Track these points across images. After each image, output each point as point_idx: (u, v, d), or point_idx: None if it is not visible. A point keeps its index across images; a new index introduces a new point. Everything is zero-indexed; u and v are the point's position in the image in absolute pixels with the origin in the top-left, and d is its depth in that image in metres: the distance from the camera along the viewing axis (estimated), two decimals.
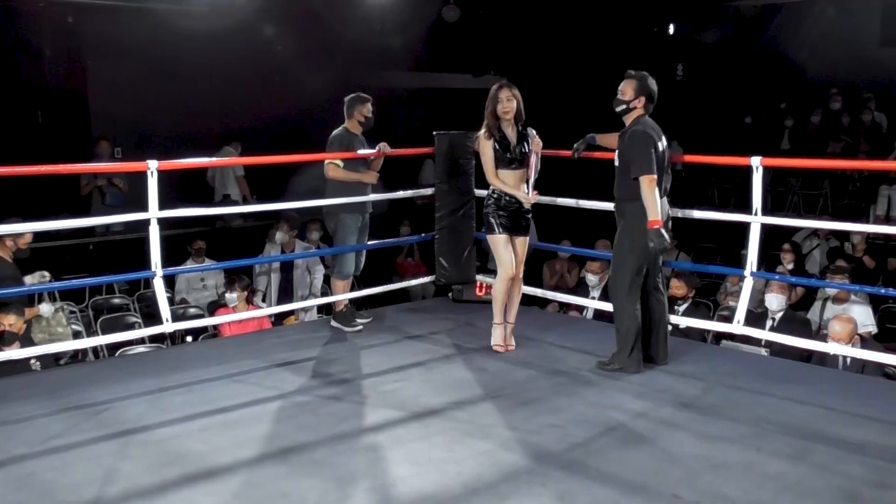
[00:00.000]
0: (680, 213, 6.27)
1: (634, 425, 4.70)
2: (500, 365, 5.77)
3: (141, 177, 5.69)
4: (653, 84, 5.59)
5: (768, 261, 9.15)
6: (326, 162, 6.65)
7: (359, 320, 6.79)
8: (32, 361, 6.10)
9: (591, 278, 8.15)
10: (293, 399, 5.11)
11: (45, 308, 6.96)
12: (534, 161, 5.89)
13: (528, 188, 5.94)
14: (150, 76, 11.09)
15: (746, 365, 5.87)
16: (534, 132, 5.96)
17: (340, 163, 6.63)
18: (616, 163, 5.62)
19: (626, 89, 5.60)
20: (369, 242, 6.98)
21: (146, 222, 5.82)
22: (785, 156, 13.20)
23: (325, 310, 7.43)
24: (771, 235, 7.60)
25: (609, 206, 5.84)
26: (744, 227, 5.90)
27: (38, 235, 7.32)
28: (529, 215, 6.00)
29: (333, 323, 6.73)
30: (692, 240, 10.95)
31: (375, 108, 6.73)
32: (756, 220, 5.78)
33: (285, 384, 5.35)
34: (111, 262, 9.00)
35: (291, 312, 7.99)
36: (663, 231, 5.34)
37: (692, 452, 4.34)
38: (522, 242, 6.02)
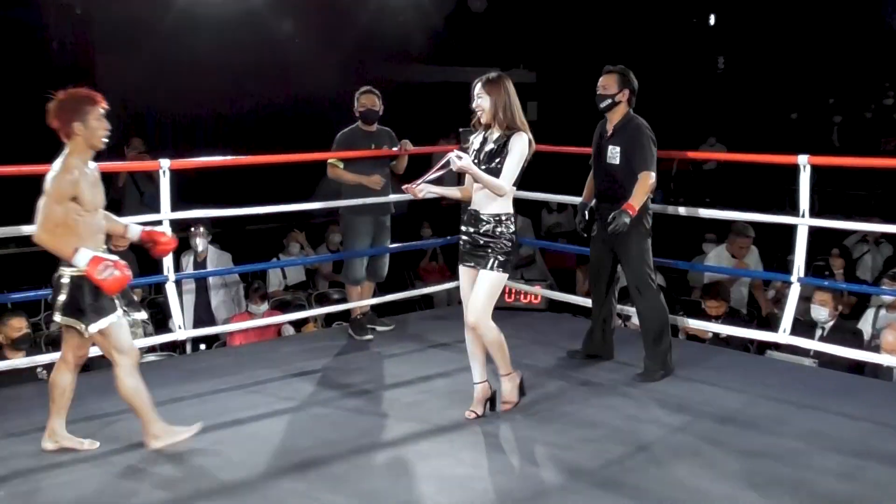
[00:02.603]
0: (721, 214, 6.24)
1: (673, 440, 4.68)
2: (530, 376, 5.74)
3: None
4: (634, 78, 5.70)
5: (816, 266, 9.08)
6: (327, 161, 6.70)
7: (379, 328, 6.81)
8: (39, 370, 6.14)
9: None
10: (311, 411, 5.12)
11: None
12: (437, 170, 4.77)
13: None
14: (161, 67, 11.18)
15: (793, 377, 5.82)
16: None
17: (340, 163, 6.65)
18: (612, 160, 5.65)
19: (609, 83, 5.71)
20: (391, 246, 6.98)
21: (157, 224, 5.85)
22: (834, 154, 13.10)
23: (344, 317, 7.45)
24: (819, 239, 7.54)
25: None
26: (790, 231, 5.86)
27: None
28: (482, 242, 4.84)
29: (350, 331, 6.77)
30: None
31: (382, 101, 6.73)
32: (803, 223, 5.75)
33: (303, 395, 5.37)
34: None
35: (307, 320, 8.01)
36: (629, 220, 5.44)
37: (735, 470, 4.31)
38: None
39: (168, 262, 6.05)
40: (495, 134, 4.80)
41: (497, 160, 4.73)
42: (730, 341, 6.82)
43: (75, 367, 4.53)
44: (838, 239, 9.48)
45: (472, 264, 4.85)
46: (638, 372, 5.72)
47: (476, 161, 4.77)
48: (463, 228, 4.91)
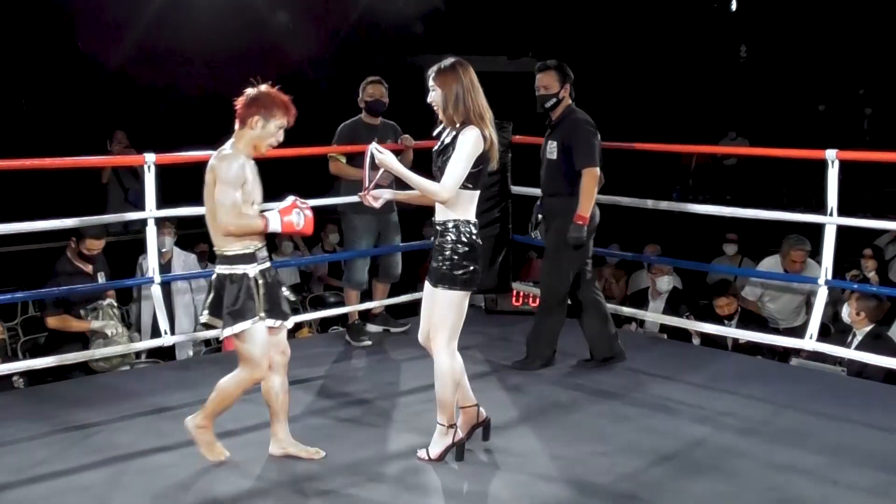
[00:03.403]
0: (743, 212, 6.24)
1: (692, 454, 4.68)
2: (540, 385, 5.76)
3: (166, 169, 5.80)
4: (570, 70, 5.90)
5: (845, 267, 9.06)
6: (328, 156, 6.70)
7: (393, 329, 6.84)
8: (16, 378, 6.15)
9: (663, 282, 8.07)
10: (305, 422, 5.12)
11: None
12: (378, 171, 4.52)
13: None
14: (145, 58, 11.19)
15: (820, 386, 5.83)
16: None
17: (342, 157, 6.66)
18: (551, 156, 5.86)
19: (550, 82, 5.85)
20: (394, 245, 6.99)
21: (142, 222, 5.87)
22: (865, 148, 13.07)
23: (342, 321, 7.46)
24: (848, 239, 7.54)
25: (662, 204, 5.83)
26: (818, 230, 5.86)
27: (24, 237, 7.37)
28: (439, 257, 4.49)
29: (346, 337, 6.78)
30: (756, 244, 10.86)
31: (387, 91, 6.73)
32: (831, 222, 5.74)
33: (297, 405, 5.36)
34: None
35: (301, 325, 8.02)
36: (584, 231, 5.69)
37: (758, 485, 4.30)
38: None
39: (153, 263, 6.06)
40: (450, 132, 4.45)
41: (442, 159, 4.41)
42: (749, 349, 6.83)
43: (280, 369, 4.53)
44: (869, 239, 9.49)
45: (428, 281, 4.51)
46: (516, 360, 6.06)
47: (434, 163, 4.49)
48: (432, 239, 4.60)
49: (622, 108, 13.64)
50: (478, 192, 4.46)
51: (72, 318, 6.55)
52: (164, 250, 8.03)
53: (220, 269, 4.34)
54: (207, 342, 7.46)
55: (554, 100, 5.85)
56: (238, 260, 4.33)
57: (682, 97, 14.44)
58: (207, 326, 4.41)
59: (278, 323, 4.47)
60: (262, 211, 4.39)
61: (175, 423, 5.05)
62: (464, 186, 4.37)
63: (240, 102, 4.31)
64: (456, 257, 4.38)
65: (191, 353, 7.52)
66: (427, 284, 4.54)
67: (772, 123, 14.10)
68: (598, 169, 5.72)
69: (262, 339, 4.36)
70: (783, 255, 7.75)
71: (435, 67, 4.46)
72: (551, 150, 5.88)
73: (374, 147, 4.40)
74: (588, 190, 5.67)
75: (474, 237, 4.42)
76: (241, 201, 4.23)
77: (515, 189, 7.34)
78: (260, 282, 4.37)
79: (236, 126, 4.34)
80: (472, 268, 4.41)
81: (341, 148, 6.66)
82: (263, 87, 4.32)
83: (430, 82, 4.44)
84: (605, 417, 5.19)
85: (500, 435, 4.91)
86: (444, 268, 4.39)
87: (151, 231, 5.98)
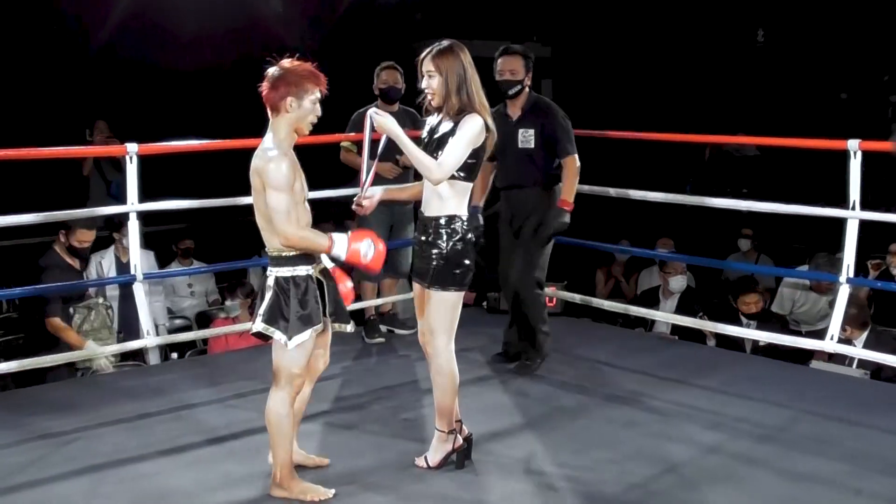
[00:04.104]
0: (760, 206, 6.24)
1: (705, 462, 4.69)
2: (545, 388, 5.76)
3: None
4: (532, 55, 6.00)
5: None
6: (340, 144, 6.72)
7: (398, 332, 6.87)
8: None
9: (676, 282, 8.06)
10: (299, 427, 5.11)
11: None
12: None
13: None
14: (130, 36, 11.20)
15: (841, 390, 5.83)
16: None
17: (354, 146, 6.66)
18: (526, 145, 5.91)
19: (517, 67, 5.90)
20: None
21: (124, 217, 5.86)
22: (889, 138, 13.07)
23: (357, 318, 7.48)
24: (872, 235, 7.54)
25: (674, 197, 5.82)
26: (839, 225, 5.86)
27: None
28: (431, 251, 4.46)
29: (362, 333, 6.82)
30: (775, 240, 10.86)
31: (403, 76, 6.73)
32: (854, 216, 5.75)
33: None
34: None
35: None
36: (568, 218, 5.80)
37: (775, 494, 4.31)
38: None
39: (135, 259, 6.06)
40: (446, 121, 4.39)
41: (440, 150, 4.33)
42: (766, 350, 6.83)
43: (314, 377, 4.47)
44: (893, 235, 9.47)
45: (419, 282, 4.50)
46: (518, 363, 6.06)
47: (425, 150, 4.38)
48: (415, 235, 4.59)
49: (630, 95, 13.64)
50: (471, 186, 4.43)
51: (70, 330, 6.51)
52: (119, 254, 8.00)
53: (281, 271, 4.16)
54: (181, 346, 7.46)
55: (519, 86, 5.90)
56: (300, 261, 4.16)
57: (694, 84, 14.44)
58: (261, 336, 4.26)
59: (347, 327, 4.40)
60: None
61: (157, 429, 5.07)
62: (458, 177, 4.34)
63: (264, 87, 4.12)
64: (451, 255, 4.35)
65: (175, 356, 7.52)
66: (415, 284, 4.52)
67: (790, 112, 14.07)
68: (577, 157, 5.87)
69: (312, 346, 4.25)
70: (814, 265, 7.74)
71: (430, 50, 4.37)
72: (526, 138, 5.92)
73: (372, 111, 4.32)
74: (572, 178, 5.81)
75: (468, 233, 4.40)
76: (292, 207, 4.08)
77: None
78: (324, 283, 4.27)
79: (270, 115, 4.16)
80: (467, 264, 4.39)
81: (353, 136, 6.65)
82: (285, 63, 4.14)
83: (426, 66, 4.36)
84: (614, 423, 5.19)
85: (503, 441, 4.91)
86: (439, 266, 4.36)
87: (133, 226, 5.98)
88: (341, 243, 4.14)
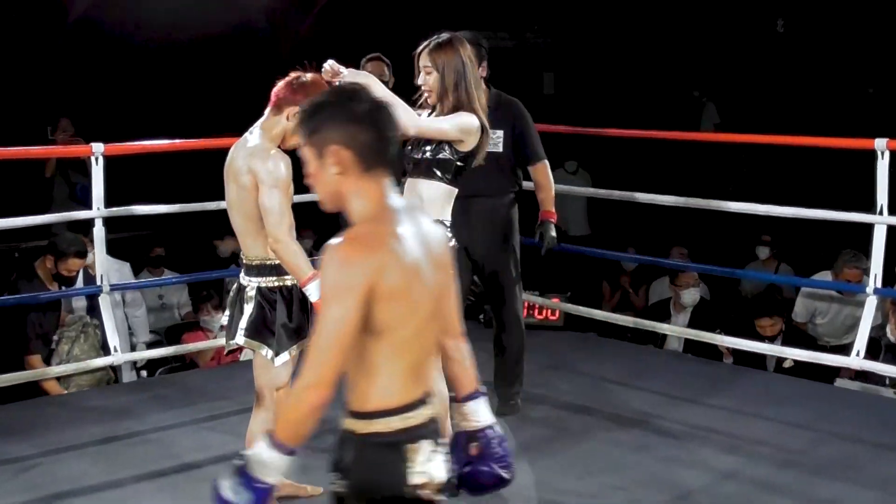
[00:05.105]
0: (780, 210, 6.25)
1: (721, 489, 4.69)
2: (546, 409, 5.76)
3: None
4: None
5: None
6: None
7: None
8: None
9: (688, 295, 8.04)
10: None
11: None
12: None
13: None
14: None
15: (869, 410, 5.85)
16: None
17: None
18: (495, 148, 5.43)
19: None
20: None
21: (89, 223, 5.86)
22: None
23: None
24: None
25: (685, 201, 5.80)
26: (866, 232, 5.87)
27: None
28: None
29: None
30: (795, 248, 10.87)
31: (390, 68, 6.73)
32: (882, 222, 5.75)
33: None
34: None
35: None
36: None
37: None
38: None
39: (101, 269, 6.06)
40: (440, 117, 4.32)
41: (429, 148, 4.28)
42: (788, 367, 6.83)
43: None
44: None
45: None
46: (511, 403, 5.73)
47: (409, 147, 4.32)
48: None
49: (638, 90, 13.66)
50: (456, 191, 4.36)
51: (52, 380, 6.47)
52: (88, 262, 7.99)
53: (265, 281, 4.13)
54: (152, 364, 7.44)
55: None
56: (286, 269, 4.12)
57: (707, 77, 14.47)
58: (236, 350, 4.22)
59: None
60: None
61: (125, 453, 5.06)
62: (442, 179, 4.29)
63: (283, 84, 4.12)
64: None
65: (144, 373, 7.51)
66: None
67: (812, 108, 14.10)
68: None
69: (296, 362, 4.18)
70: (835, 273, 7.68)
71: (428, 44, 4.34)
72: (494, 141, 5.49)
73: (330, 63, 4.16)
74: (550, 184, 5.72)
75: (452, 240, 4.29)
76: (287, 206, 4.05)
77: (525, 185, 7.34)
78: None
79: (268, 112, 4.15)
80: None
81: None
82: (319, 80, 4.11)
83: (423, 62, 4.33)
84: (622, 446, 5.20)
85: None
86: None
87: (99, 233, 5.97)
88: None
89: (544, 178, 5.71)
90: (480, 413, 2.90)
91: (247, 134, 4.18)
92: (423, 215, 2.72)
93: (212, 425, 5.54)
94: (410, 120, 4.12)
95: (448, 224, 4.31)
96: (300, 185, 4.49)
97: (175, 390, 6.24)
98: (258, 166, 4.01)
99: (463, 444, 2.88)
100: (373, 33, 11.31)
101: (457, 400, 2.90)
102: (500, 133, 5.64)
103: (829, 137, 6.83)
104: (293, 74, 4.14)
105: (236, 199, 4.11)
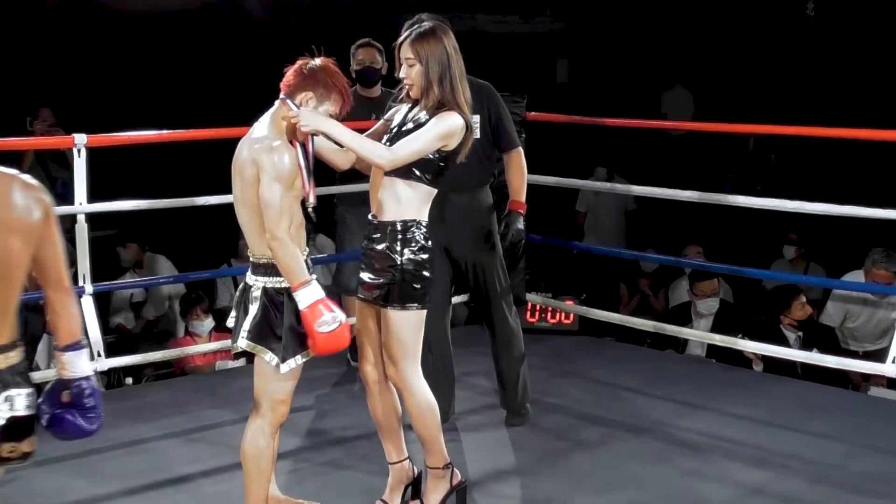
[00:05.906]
0: (809, 207, 6.24)
1: None
2: (559, 419, 5.75)
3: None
4: None
5: None
6: None
7: None
8: None
9: (705, 306, 8.00)
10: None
11: None
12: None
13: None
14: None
15: None
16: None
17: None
18: (475, 135, 5.17)
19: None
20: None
21: (70, 219, 5.85)
22: None
23: None
24: None
25: (709, 197, 5.78)
26: None
27: None
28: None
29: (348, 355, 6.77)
30: (824, 247, 10.85)
31: (382, 54, 6.73)
32: None
33: None
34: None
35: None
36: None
37: None
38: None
39: (84, 269, 6.05)
40: (421, 113, 4.28)
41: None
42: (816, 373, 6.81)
43: (275, 429, 4.25)
44: None
45: (367, 297, 4.33)
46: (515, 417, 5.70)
47: (388, 143, 4.25)
48: (364, 243, 4.40)
49: (657, 78, 13.66)
50: (434, 192, 4.31)
51: None
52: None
53: (272, 281, 4.08)
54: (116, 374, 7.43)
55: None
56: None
57: (730, 64, 14.45)
58: (241, 355, 4.17)
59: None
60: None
61: (108, 465, 5.05)
62: (422, 179, 4.23)
63: (293, 71, 4.09)
64: (412, 267, 4.22)
65: (129, 381, 7.52)
66: (359, 304, 4.40)
67: (844, 96, 14.08)
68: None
69: (301, 369, 4.17)
70: (866, 273, 7.68)
71: (409, 34, 4.25)
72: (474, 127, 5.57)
73: (296, 110, 4.03)
74: (524, 173, 5.65)
75: (429, 241, 4.29)
76: (288, 202, 4.00)
77: (531, 178, 7.32)
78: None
79: (279, 101, 4.11)
80: (429, 277, 4.28)
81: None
82: (327, 63, 4.10)
83: (405, 53, 4.25)
84: (641, 459, 5.19)
85: (511, 481, 4.91)
86: (397, 280, 4.22)
87: (82, 230, 5.96)
88: (312, 293, 3.98)
89: (517, 166, 5.64)
90: (77, 364, 3.25)
91: (255, 124, 4.15)
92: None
93: (202, 436, 5.53)
94: (381, 156, 4.11)
95: (425, 225, 4.27)
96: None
97: (163, 398, 6.24)
98: (262, 157, 3.97)
99: (58, 391, 3.29)
100: (367, 18, 11.37)
101: (57, 349, 3.22)
102: (477, 118, 5.45)
103: (863, 129, 6.79)
104: (301, 61, 4.11)
105: (241, 193, 4.08)
